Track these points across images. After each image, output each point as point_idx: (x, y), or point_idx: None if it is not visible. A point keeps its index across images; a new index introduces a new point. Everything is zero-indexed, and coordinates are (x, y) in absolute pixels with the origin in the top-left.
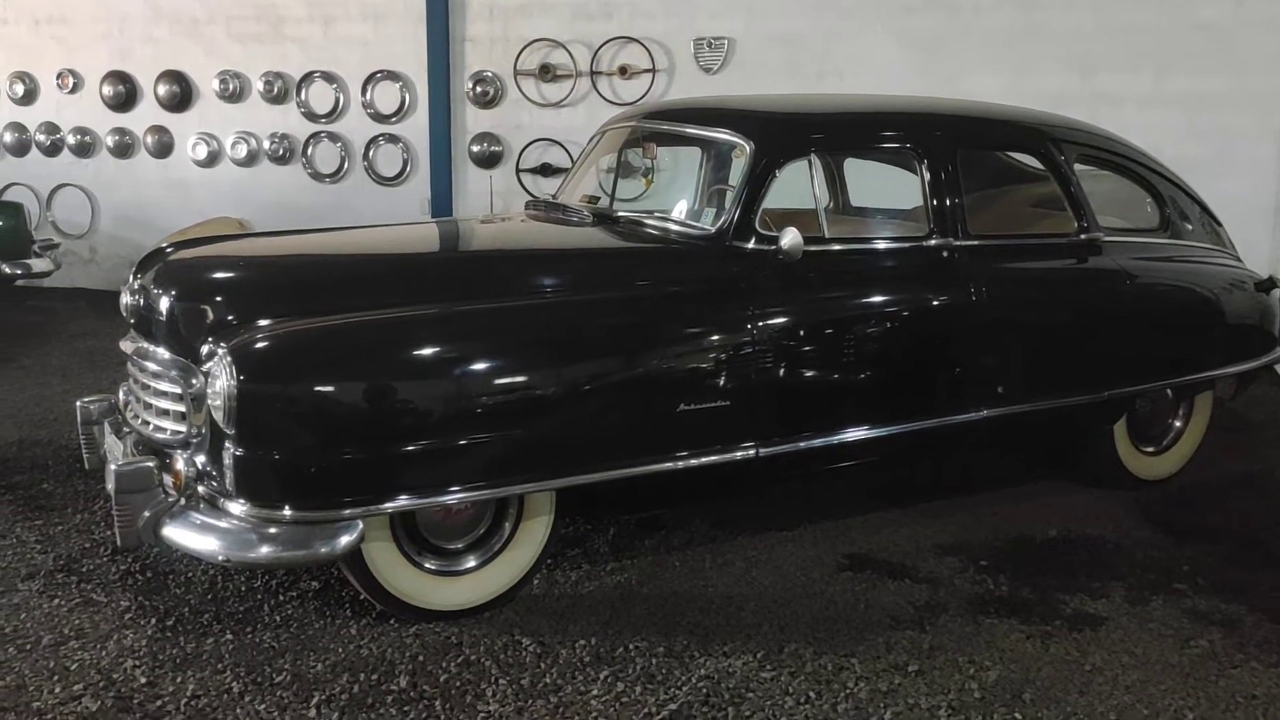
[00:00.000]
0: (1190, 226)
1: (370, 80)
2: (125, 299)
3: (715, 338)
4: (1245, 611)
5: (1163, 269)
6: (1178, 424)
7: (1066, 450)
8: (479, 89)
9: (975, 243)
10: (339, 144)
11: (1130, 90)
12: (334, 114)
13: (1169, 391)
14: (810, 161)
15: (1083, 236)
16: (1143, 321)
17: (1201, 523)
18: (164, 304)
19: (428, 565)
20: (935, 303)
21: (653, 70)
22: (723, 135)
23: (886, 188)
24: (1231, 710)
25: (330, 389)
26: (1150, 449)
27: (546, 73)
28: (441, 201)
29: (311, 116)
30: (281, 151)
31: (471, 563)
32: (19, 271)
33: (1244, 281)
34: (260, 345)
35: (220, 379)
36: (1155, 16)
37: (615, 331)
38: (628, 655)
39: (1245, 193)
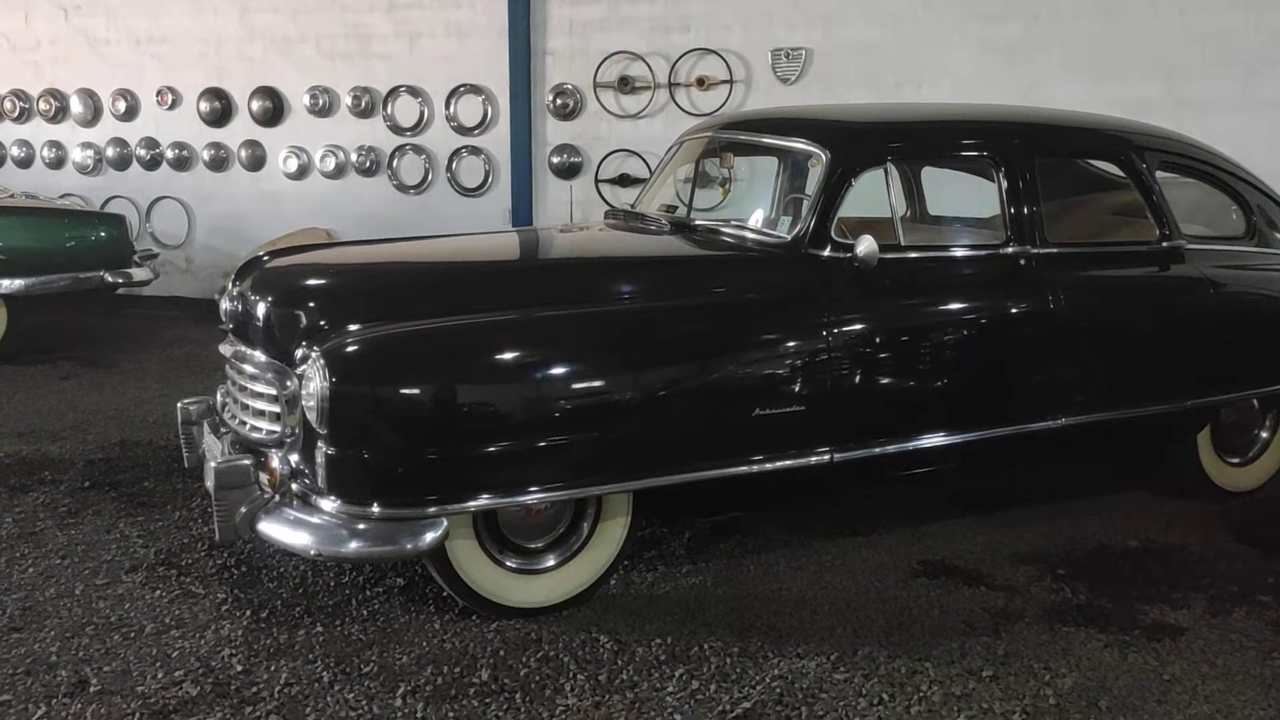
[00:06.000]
0: (1278, 234)
1: (454, 94)
2: (224, 305)
3: (790, 344)
4: None
5: (1248, 277)
6: (1264, 435)
7: (1149, 460)
8: (559, 101)
9: (1053, 250)
10: (423, 156)
11: (1217, 97)
12: (419, 127)
13: (1255, 402)
14: (886, 170)
15: (1164, 244)
16: (1227, 330)
17: None
18: (260, 309)
19: (509, 563)
20: (1012, 310)
21: (730, 81)
22: (799, 145)
23: (963, 196)
24: None
25: (416, 391)
26: (1235, 460)
27: (625, 85)
28: (522, 212)
29: (397, 130)
30: (368, 164)
31: (551, 562)
32: (120, 280)
33: None
34: (351, 349)
35: (314, 381)
36: (1242, 21)
37: (691, 337)
38: (702, 654)
39: None
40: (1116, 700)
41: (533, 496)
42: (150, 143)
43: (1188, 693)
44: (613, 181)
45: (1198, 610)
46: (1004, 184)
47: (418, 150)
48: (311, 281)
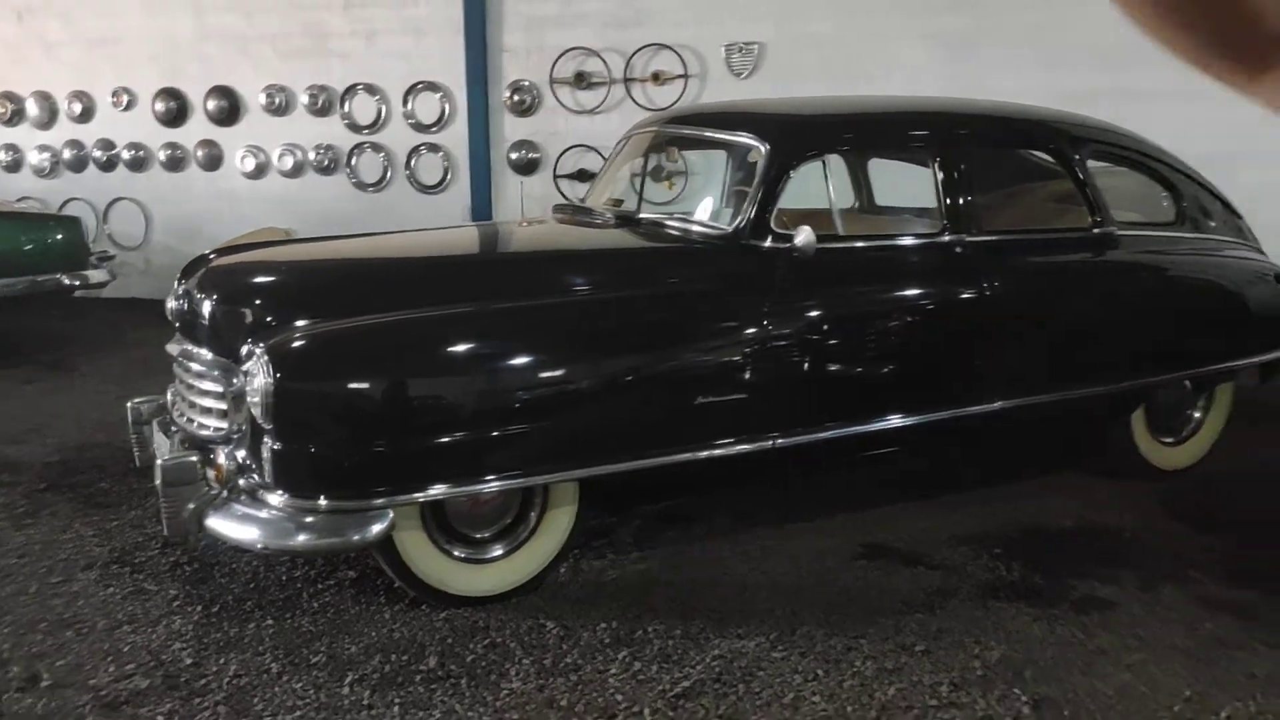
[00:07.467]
0: (1210, 221)
1: (411, 91)
2: (170, 303)
3: (732, 333)
4: (1257, 597)
5: (1177, 262)
6: (1197, 415)
7: (1086, 442)
8: (516, 98)
9: (989, 238)
10: (382, 154)
11: (1158, 86)
12: (376, 125)
13: (1187, 383)
14: (824, 162)
15: (1096, 231)
16: (1157, 313)
17: (1219, 513)
18: (206, 307)
19: (456, 553)
20: (948, 297)
21: (685, 76)
22: (740, 138)
23: (917, 186)
24: (1230, 689)
25: (362, 385)
26: (1169, 440)
27: (581, 80)
28: (482, 208)
29: (355, 128)
30: (326, 162)
31: (498, 551)
32: (77, 283)
33: (1263, 273)
34: (296, 345)
35: (258, 377)
36: None
37: (632, 328)
38: (646, 637)
39: (1277, 182)
40: (1041, 670)
41: (478, 487)
42: (106, 144)
43: (1112, 663)
44: (571, 177)
45: (1128, 585)
46: (939, 175)
47: (376, 148)
48: (257, 278)
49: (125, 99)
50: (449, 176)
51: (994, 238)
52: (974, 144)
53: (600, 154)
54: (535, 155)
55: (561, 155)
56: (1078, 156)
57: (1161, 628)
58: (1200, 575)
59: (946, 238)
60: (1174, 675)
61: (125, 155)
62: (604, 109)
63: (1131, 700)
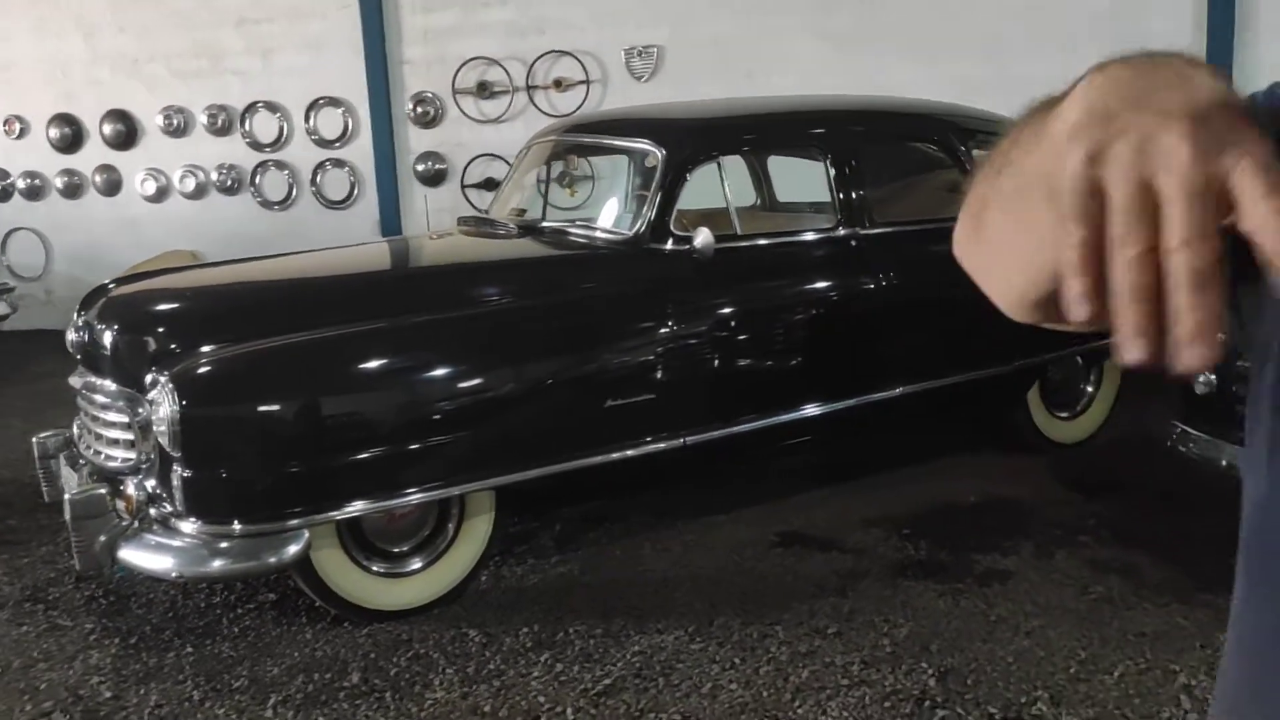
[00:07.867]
0: None
1: (313, 107)
2: (71, 335)
3: (636, 335)
4: (1144, 559)
5: None
6: (1089, 389)
7: (987, 421)
8: (419, 109)
9: (882, 230)
10: (286, 171)
11: (1040, 73)
12: (279, 142)
13: (1078, 359)
14: (720, 164)
15: None
16: None
17: (1110, 481)
18: (108, 338)
19: (375, 569)
20: (845, 290)
21: (587, 81)
22: (637, 144)
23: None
24: (1121, 647)
25: (270, 408)
26: (1064, 414)
27: (484, 90)
28: (390, 221)
29: (257, 146)
30: (230, 182)
31: (417, 564)
32: None
33: None
34: (200, 371)
35: (164, 406)
36: None
37: (539, 336)
38: (567, 639)
39: None
40: (946, 643)
41: (394, 501)
42: (0, 174)
43: (1011, 630)
44: (479, 186)
45: (1025, 555)
46: (832, 171)
47: (280, 166)
48: (159, 306)
49: (18, 127)
50: (356, 191)
51: (887, 230)
52: (865, 139)
53: (506, 162)
54: (442, 166)
55: (468, 165)
56: (964, 147)
57: (1055, 592)
58: (1090, 540)
59: (841, 232)
60: (1069, 637)
61: (21, 184)
62: (508, 117)
63: (1029, 664)
